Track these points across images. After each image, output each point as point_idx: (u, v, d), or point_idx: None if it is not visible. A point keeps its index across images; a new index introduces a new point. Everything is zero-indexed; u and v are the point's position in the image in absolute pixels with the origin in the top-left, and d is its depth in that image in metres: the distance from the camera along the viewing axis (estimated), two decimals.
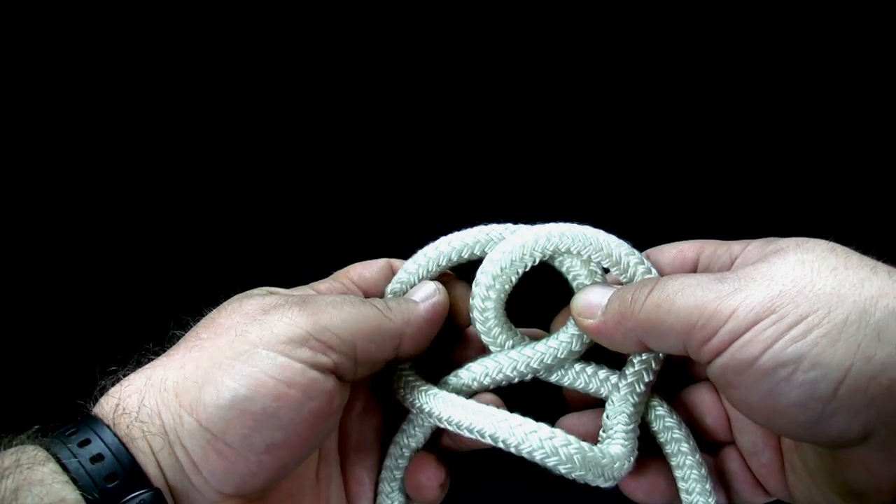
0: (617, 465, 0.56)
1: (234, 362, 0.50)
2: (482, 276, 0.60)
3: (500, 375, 0.61)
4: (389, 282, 0.63)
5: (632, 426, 0.59)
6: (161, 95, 0.81)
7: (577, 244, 0.59)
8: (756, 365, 0.48)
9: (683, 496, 0.59)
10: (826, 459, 0.53)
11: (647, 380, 0.59)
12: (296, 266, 0.65)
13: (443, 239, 0.62)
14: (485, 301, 0.60)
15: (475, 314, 0.61)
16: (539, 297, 0.63)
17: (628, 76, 0.80)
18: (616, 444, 0.58)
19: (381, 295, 0.62)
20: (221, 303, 0.57)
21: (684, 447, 0.59)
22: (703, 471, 0.58)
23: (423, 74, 0.81)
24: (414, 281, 0.62)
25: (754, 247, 0.55)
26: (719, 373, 0.51)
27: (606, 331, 0.56)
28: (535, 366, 0.60)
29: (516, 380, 0.61)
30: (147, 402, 0.50)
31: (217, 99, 0.81)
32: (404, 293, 0.62)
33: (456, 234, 0.62)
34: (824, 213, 0.57)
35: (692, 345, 0.51)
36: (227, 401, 0.49)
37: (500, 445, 0.56)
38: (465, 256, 0.61)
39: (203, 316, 0.57)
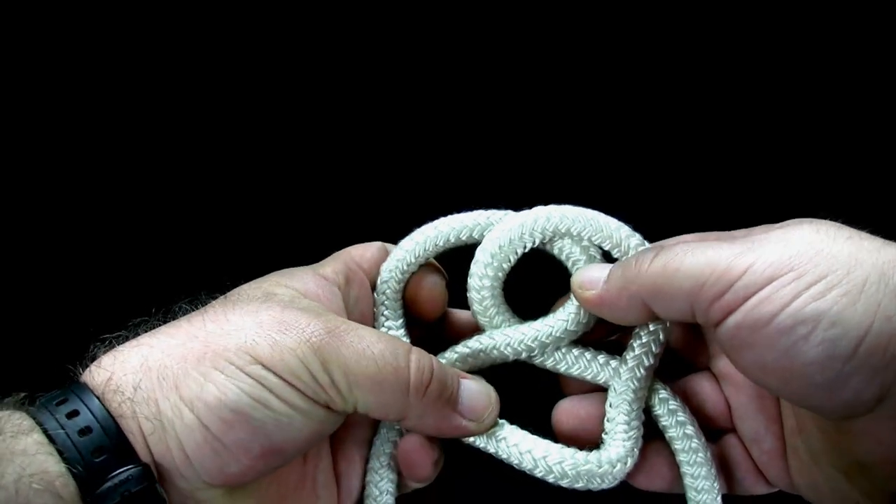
0: (617, 468, 0.56)
1: (238, 371, 0.49)
2: (480, 253, 0.59)
3: (495, 353, 0.60)
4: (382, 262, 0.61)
5: (634, 413, 0.58)
6: (160, 92, 0.80)
7: (577, 225, 0.58)
8: (773, 323, 0.47)
9: (687, 480, 0.57)
10: (831, 435, 0.52)
11: (647, 364, 0.58)
12: (293, 253, 0.63)
13: (441, 220, 0.61)
14: (482, 279, 0.59)
15: (472, 293, 0.60)
16: (538, 291, 0.63)
17: (630, 70, 0.81)
18: (616, 444, 0.57)
19: (375, 276, 0.61)
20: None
21: (689, 430, 0.58)
22: (707, 454, 0.57)
23: (420, 67, 0.82)
24: (411, 259, 0.60)
25: (759, 229, 0.56)
26: (732, 333, 0.50)
27: (609, 299, 0.55)
28: (529, 343, 0.59)
29: (511, 358, 0.60)
30: (144, 386, 0.48)
31: (215, 91, 0.81)
32: (401, 271, 0.60)
33: (455, 215, 0.61)
34: (827, 208, 0.57)
35: (701, 304, 0.50)
36: (231, 404, 0.48)
37: (502, 459, 0.57)
38: (463, 238, 0.60)
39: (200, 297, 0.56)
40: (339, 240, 0.63)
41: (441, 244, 0.60)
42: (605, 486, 0.57)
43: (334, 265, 0.59)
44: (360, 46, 0.81)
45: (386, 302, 0.61)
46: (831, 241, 0.49)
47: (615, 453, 0.57)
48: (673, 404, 0.58)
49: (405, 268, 0.61)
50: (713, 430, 0.60)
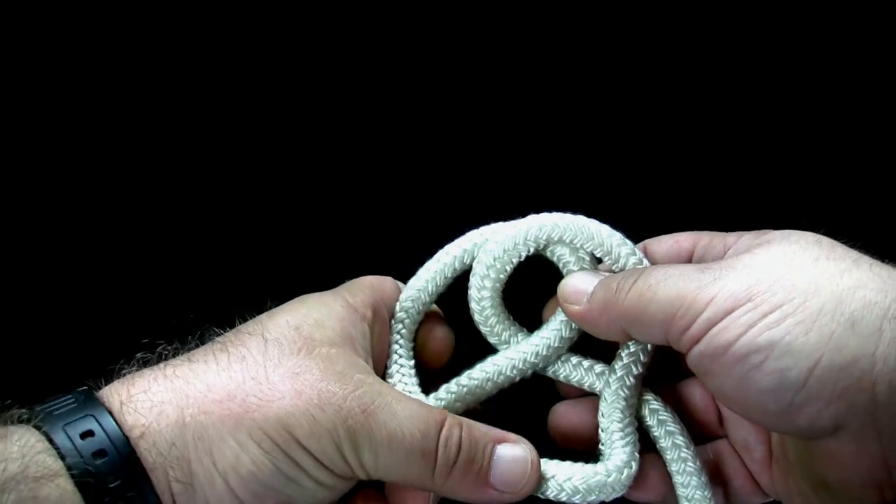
0: (625, 475, 0.57)
1: (275, 448, 0.49)
2: (478, 266, 0.62)
3: (502, 378, 0.61)
4: (396, 297, 0.63)
5: (627, 420, 0.59)
6: (162, 102, 0.80)
7: (569, 233, 0.60)
8: (730, 351, 0.49)
9: (680, 490, 0.58)
10: (801, 451, 0.53)
11: (636, 372, 0.59)
12: (297, 262, 0.65)
13: (441, 252, 0.63)
14: (481, 291, 0.62)
15: (472, 305, 0.62)
16: (536, 295, 0.64)
17: (623, 69, 0.79)
18: (617, 452, 0.58)
19: (393, 312, 0.62)
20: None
21: (679, 439, 0.58)
22: (698, 463, 0.58)
23: (415, 75, 0.81)
24: (425, 298, 0.62)
25: (747, 238, 0.56)
26: (697, 360, 0.51)
27: (591, 318, 0.57)
28: (532, 360, 0.61)
29: (518, 378, 0.62)
30: (178, 444, 0.48)
31: (214, 108, 0.81)
32: (417, 311, 0.62)
33: (452, 243, 0.63)
34: (821, 206, 0.56)
35: (673, 334, 0.52)
36: (265, 480, 0.49)
37: None
38: (467, 262, 0.62)
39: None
40: (340, 241, 0.64)
41: (449, 275, 0.62)
42: (616, 494, 0.57)
43: (363, 296, 0.59)
44: (354, 64, 0.81)
45: (400, 341, 0.62)
46: (794, 266, 0.49)
47: (619, 460, 0.57)
48: (663, 415, 0.59)
49: (420, 308, 0.62)
50: (707, 436, 0.61)
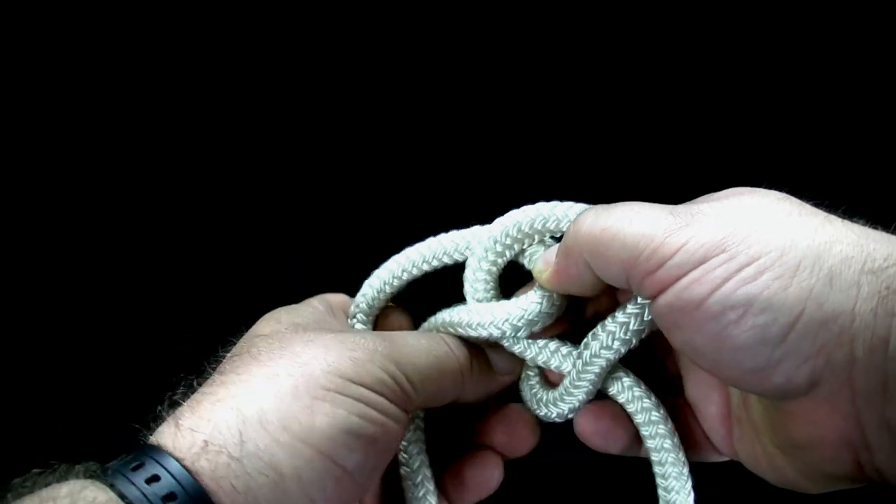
0: (544, 412, 0.60)
1: (338, 395, 0.49)
2: (478, 246, 0.59)
3: (471, 331, 0.59)
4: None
5: (590, 395, 0.58)
6: (159, 104, 0.81)
7: (565, 222, 0.57)
8: (703, 306, 0.46)
9: (649, 443, 0.57)
10: (770, 411, 0.51)
11: (616, 343, 0.56)
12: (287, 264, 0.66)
13: (402, 252, 0.62)
14: (476, 272, 0.59)
15: (467, 286, 0.60)
16: None
17: (614, 69, 0.80)
18: (567, 400, 0.58)
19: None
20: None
21: (654, 415, 0.57)
22: (675, 439, 0.57)
23: (408, 75, 0.80)
24: (375, 295, 0.62)
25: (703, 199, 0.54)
26: (664, 312, 0.49)
27: (562, 270, 0.55)
28: (501, 326, 0.58)
29: (485, 337, 0.59)
30: (247, 437, 0.47)
31: (206, 109, 0.81)
32: (369, 306, 0.63)
33: (412, 247, 0.62)
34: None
35: (635, 276, 0.49)
36: (345, 427, 0.49)
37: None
38: (425, 268, 0.61)
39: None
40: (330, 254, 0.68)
41: (404, 277, 0.61)
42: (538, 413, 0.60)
43: (318, 302, 0.61)
44: (349, 64, 0.80)
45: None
46: (769, 218, 0.48)
47: (559, 409, 0.59)
48: (637, 391, 0.57)
49: (372, 303, 0.62)
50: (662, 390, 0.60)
